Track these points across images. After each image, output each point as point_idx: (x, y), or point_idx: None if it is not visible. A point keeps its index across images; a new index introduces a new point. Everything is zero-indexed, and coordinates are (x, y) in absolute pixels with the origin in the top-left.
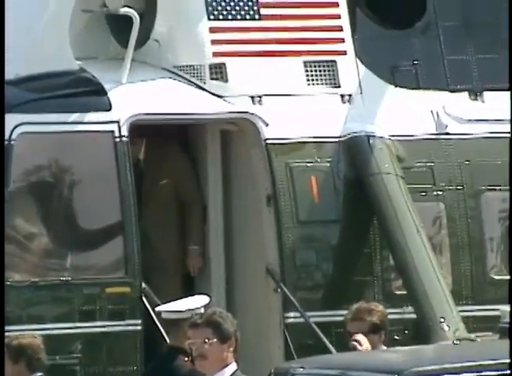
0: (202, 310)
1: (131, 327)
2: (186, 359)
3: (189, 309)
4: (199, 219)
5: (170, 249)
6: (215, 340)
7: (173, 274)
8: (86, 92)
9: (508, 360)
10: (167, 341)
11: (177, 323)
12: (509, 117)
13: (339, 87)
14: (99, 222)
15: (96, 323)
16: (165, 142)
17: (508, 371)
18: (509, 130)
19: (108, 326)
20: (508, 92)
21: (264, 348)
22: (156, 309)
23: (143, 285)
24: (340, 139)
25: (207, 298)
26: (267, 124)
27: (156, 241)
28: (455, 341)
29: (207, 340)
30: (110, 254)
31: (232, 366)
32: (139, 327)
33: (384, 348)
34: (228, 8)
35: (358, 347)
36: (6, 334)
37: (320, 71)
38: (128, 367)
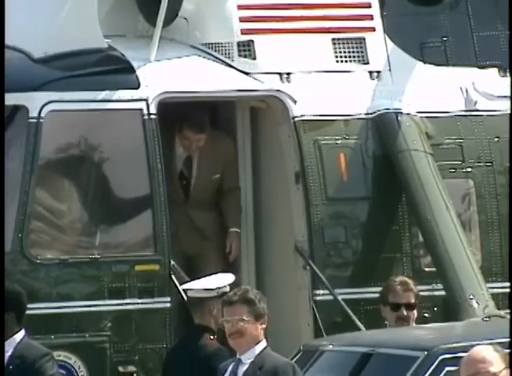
0: (227, 289)
1: (160, 305)
2: (212, 337)
3: (215, 288)
4: (238, 202)
5: (213, 230)
6: (251, 317)
7: (217, 255)
8: (114, 70)
9: None
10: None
11: (202, 301)
12: None
13: (367, 64)
14: (128, 199)
15: (125, 301)
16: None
17: None
18: None
19: (137, 303)
20: None
21: (293, 326)
22: (182, 286)
23: (172, 262)
24: (369, 115)
25: (232, 277)
26: (295, 102)
27: (200, 222)
28: (484, 318)
29: (245, 317)
30: (139, 231)
31: (263, 344)
32: (168, 305)
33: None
34: None
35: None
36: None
37: (349, 48)
38: (157, 345)
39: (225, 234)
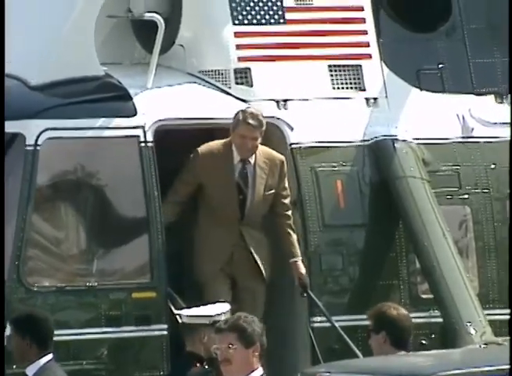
0: (222, 317)
1: (157, 332)
2: (198, 364)
3: (207, 315)
4: (292, 223)
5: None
6: (239, 345)
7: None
8: (111, 98)
9: None
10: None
11: (194, 328)
12: None
13: (364, 90)
14: (125, 227)
15: (122, 329)
16: None
17: None
18: None
19: (134, 331)
20: None
21: (290, 353)
22: (176, 312)
23: (168, 289)
24: (366, 142)
25: (228, 305)
26: (292, 129)
27: (254, 244)
28: (482, 345)
29: (230, 345)
30: (136, 259)
31: (259, 371)
32: (165, 332)
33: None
34: (253, 12)
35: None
36: None
37: (345, 75)
38: (154, 373)
39: (276, 259)
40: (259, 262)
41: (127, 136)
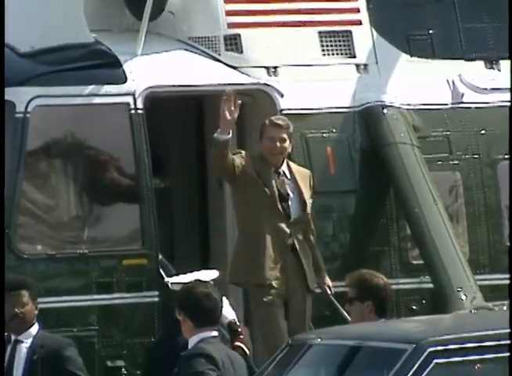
0: (211, 283)
1: (148, 299)
2: None
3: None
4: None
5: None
6: None
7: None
8: (101, 65)
9: None
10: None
11: None
12: None
13: (354, 57)
14: (116, 194)
15: (113, 295)
16: None
17: None
18: None
19: (125, 298)
20: None
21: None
22: (166, 280)
23: (160, 256)
24: (356, 109)
25: (216, 272)
26: (282, 95)
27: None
28: (472, 310)
29: None
30: (127, 226)
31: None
32: (156, 299)
33: (382, 319)
34: None
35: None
36: None
37: (335, 41)
38: (145, 339)
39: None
40: (306, 269)
41: (117, 103)
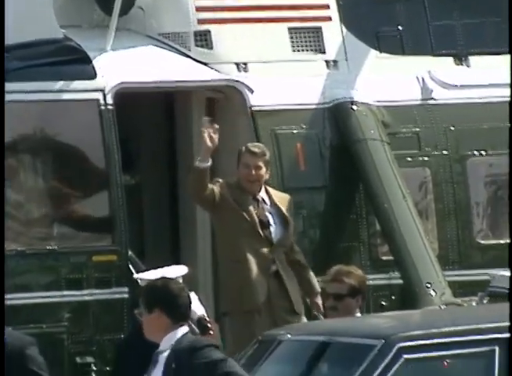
0: (180, 280)
1: (117, 295)
2: None
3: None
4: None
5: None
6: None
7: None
8: (71, 61)
9: (494, 324)
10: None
11: None
12: (494, 82)
13: (324, 53)
14: (85, 190)
15: (83, 292)
16: None
17: (494, 335)
18: (495, 94)
19: (95, 294)
20: (493, 57)
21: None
22: (135, 276)
23: (129, 252)
24: (326, 105)
25: (185, 268)
26: (252, 91)
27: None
28: (441, 306)
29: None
30: (97, 222)
31: (177, 332)
32: (126, 295)
33: (358, 314)
34: None
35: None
36: None
37: (305, 37)
38: (115, 335)
39: None
40: (291, 292)
41: (86, 99)
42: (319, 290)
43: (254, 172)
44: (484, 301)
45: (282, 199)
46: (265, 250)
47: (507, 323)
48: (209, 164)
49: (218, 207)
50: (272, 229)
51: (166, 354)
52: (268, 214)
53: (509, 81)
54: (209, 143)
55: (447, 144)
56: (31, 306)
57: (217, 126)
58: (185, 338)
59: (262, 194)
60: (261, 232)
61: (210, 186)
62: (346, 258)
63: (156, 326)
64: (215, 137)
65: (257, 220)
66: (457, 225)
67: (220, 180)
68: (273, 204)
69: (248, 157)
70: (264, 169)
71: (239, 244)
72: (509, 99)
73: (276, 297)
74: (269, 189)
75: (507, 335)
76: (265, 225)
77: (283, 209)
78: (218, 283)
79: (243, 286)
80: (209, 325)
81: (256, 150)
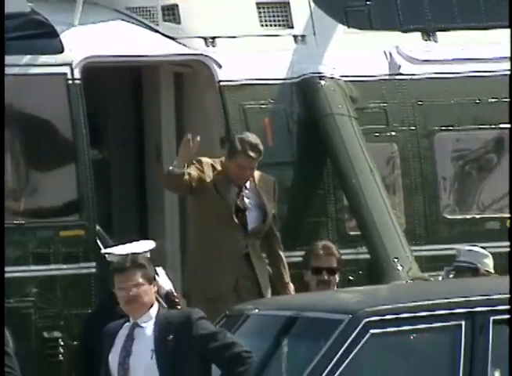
0: (148, 255)
1: (85, 270)
2: None
3: (134, 253)
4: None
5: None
6: (145, 281)
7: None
8: (38, 35)
9: (460, 299)
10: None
11: None
12: (462, 57)
13: (292, 28)
14: (53, 165)
15: (50, 266)
16: None
17: (461, 309)
18: (462, 69)
19: (62, 269)
20: (461, 32)
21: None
22: (102, 251)
23: (97, 228)
24: (294, 80)
25: (153, 243)
26: (220, 66)
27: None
28: (408, 281)
29: (140, 281)
30: (64, 197)
31: (156, 305)
32: (93, 270)
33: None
34: None
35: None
36: None
37: (273, 12)
38: (82, 310)
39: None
40: (259, 276)
41: (54, 73)
42: (288, 280)
43: (248, 174)
44: (451, 276)
45: (266, 183)
46: (238, 237)
47: (473, 298)
48: (185, 169)
49: (195, 192)
50: (248, 215)
51: (149, 327)
52: (246, 199)
53: (475, 56)
54: (186, 157)
55: (414, 119)
56: None
57: (198, 139)
58: (167, 312)
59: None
60: (235, 219)
61: (186, 178)
62: (314, 233)
63: None
64: (195, 149)
65: (233, 207)
66: (424, 200)
67: (203, 160)
68: (255, 189)
69: (244, 159)
70: (256, 165)
71: (212, 230)
72: (475, 74)
73: (244, 279)
74: (254, 172)
75: (473, 310)
76: (242, 211)
77: (264, 195)
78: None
79: (211, 272)
80: (176, 300)
81: (254, 154)
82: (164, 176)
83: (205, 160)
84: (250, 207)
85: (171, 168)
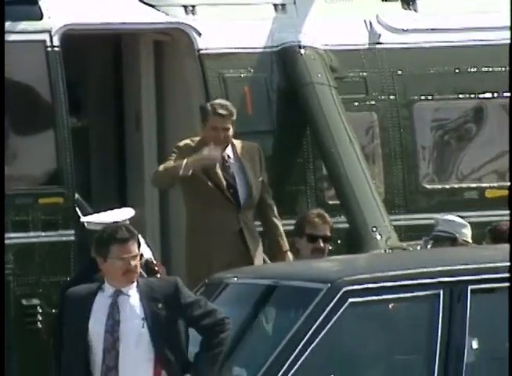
0: (127, 223)
1: (64, 238)
2: None
3: (113, 222)
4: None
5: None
6: (138, 252)
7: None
8: (17, 1)
9: (438, 268)
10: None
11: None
12: (442, 27)
13: None
14: (32, 132)
15: (29, 234)
16: None
17: (439, 279)
18: (442, 39)
19: (41, 236)
20: (441, 1)
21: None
22: (81, 219)
23: (76, 195)
24: (274, 49)
25: (132, 211)
26: (200, 34)
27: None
28: (387, 250)
29: (137, 253)
30: (43, 164)
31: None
32: (72, 238)
33: None
34: None
35: None
36: None
37: None
38: (61, 278)
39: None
40: (252, 251)
41: (33, 40)
42: (288, 248)
43: (222, 135)
44: (429, 246)
45: (248, 150)
46: (231, 214)
47: (451, 267)
48: (189, 173)
49: (182, 180)
50: (239, 188)
51: (133, 295)
52: (234, 172)
53: (455, 26)
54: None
55: (394, 89)
56: None
57: (218, 153)
58: (147, 280)
59: (228, 151)
60: (227, 194)
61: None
62: (293, 202)
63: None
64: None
65: (224, 182)
66: (403, 169)
67: (182, 146)
68: (238, 159)
69: (216, 119)
70: (231, 129)
71: (206, 210)
72: (455, 43)
73: (237, 256)
74: (235, 141)
75: (451, 279)
76: (232, 185)
77: (248, 166)
78: (165, 226)
79: (207, 256)
80: (156, 268)
81: (224, 111)
82: (158, 173)
83: (184, 144)
84: (237, 180)
85: (180, 171)
